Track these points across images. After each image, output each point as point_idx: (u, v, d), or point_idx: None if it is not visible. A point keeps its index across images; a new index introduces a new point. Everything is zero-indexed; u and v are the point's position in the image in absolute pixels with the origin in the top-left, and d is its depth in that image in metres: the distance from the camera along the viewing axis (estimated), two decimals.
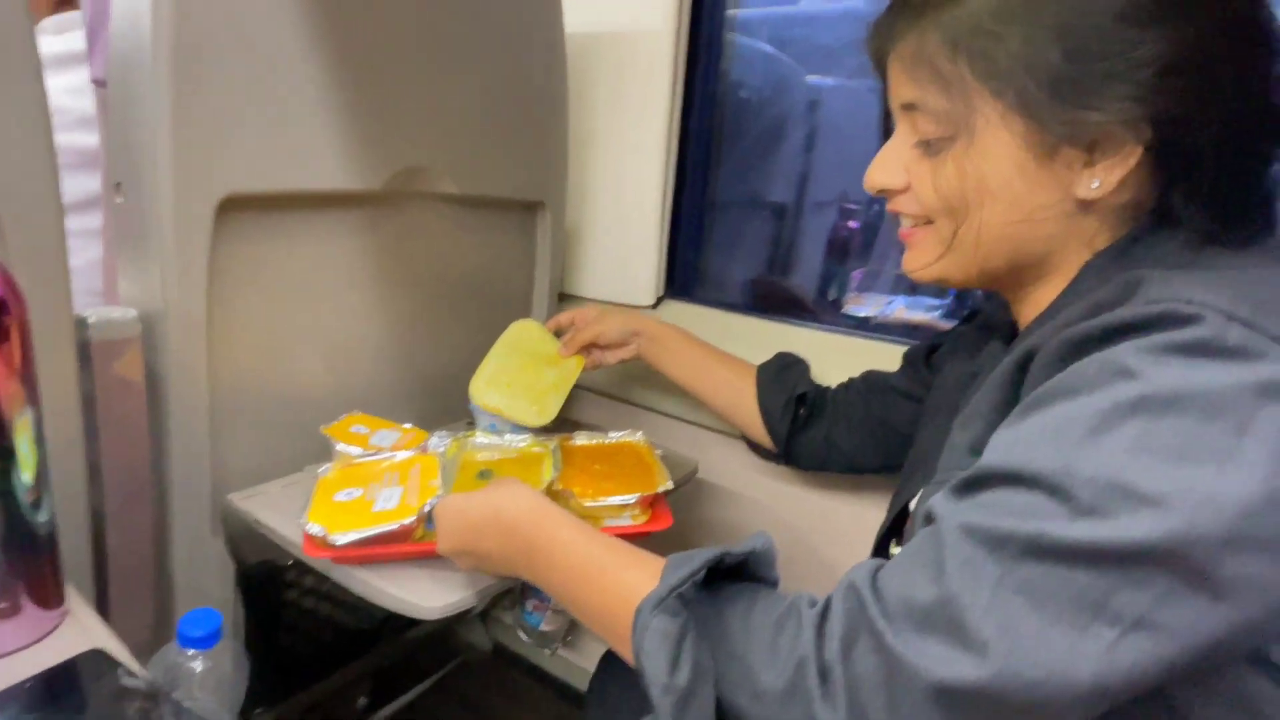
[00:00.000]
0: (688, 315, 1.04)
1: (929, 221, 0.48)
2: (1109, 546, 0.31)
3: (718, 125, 1.06)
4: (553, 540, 0.51)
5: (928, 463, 0.54)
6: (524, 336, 0.86)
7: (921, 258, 0.49)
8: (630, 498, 0.64)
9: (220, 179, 0.63)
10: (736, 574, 0.44)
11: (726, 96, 1.06)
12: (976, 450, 0.42)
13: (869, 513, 0.86)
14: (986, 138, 0.43)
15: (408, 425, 0.79)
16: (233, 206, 0.64)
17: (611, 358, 0.85)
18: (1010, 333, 0.54)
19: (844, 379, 0.80)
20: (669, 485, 0.66)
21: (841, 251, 1.23)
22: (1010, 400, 0.41)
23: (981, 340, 0.59)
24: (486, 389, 0.81)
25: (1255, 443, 0.30)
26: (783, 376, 0.79)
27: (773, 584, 0.44)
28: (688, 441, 0.98)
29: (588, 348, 0.86)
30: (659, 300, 1.06)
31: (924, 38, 0.44)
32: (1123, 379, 0.33)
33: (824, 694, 0.36)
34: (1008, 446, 0.36)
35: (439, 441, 0.74)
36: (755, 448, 0.84)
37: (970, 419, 0.44)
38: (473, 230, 0.88)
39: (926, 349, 0.72)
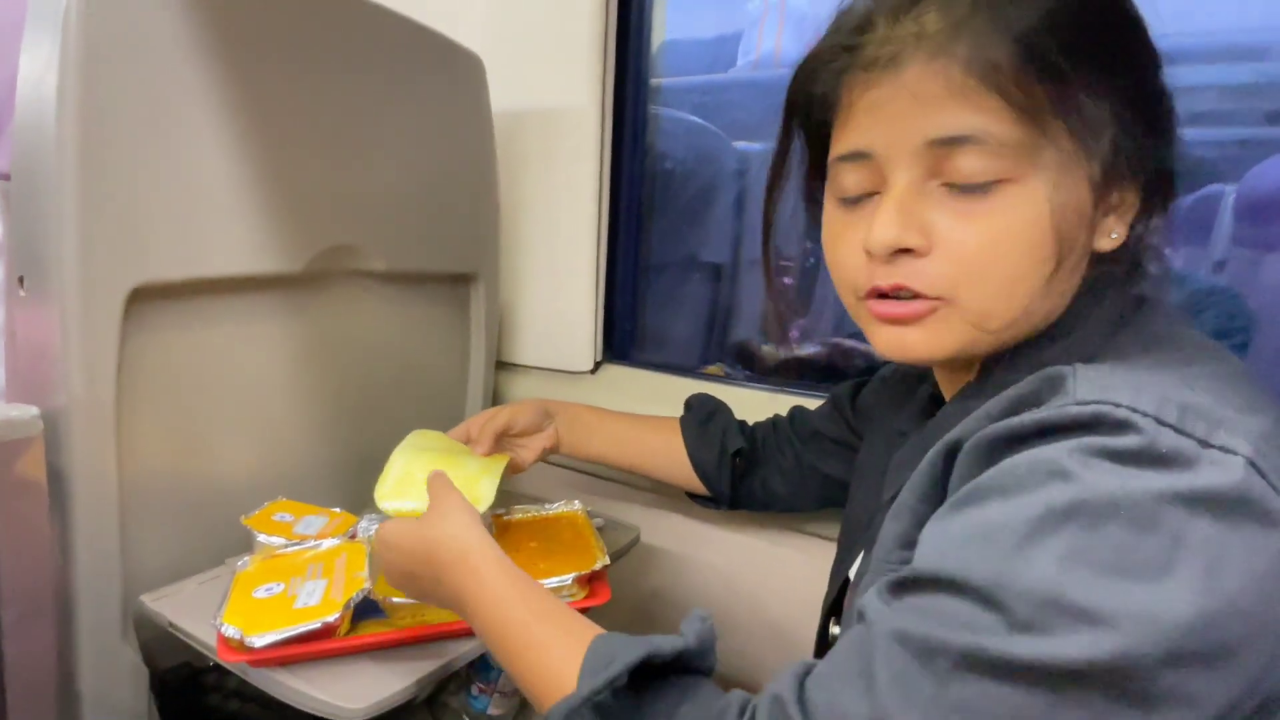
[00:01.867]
0: (626, 378, 1.05)
1: (939, 298, 0.40)
2: (1047, 665, 0.30)
3: (648, 192, 1.09)
4: (481, 594, 0.49)
5: (864, 530, 0.54)
6: (428, 440, 0.75)
7: (934, 341, 0.41)
8: (566, 578, 0.63)
9: (130, 269, 0.61)
10: (668, 666, 0.42)
11: (654, 165, 1.09)
12: (907, 544, 0.41)
13: (818, 569, 0.85)
14: (1062, 184, 0.37)
15: (337, 509, 0.76)
16: (144, 296, 0.62)
17: (530, 453, 0.76)
18: (935, 387, 0.54)
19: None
20: (605, 561, 0.65)
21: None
22: (937, 494, 0.40)
23: (907, 386, 0.59)
24: (394, 493, 0.65)
25: (1189, 557, 0.30)
26: (709, 429, 0.77)
27: (707, 673, 0.42)
28: (630, 505, 0.97)
29: (502, 440, 0.76)
30: (597, 365, 1.06)
31: (990, 43, 0.36)
32: (1056, 481, 0.32)
33: None
34: (940, 549, 0.35)
35: (368, 525, 0.72)
36: (696, 498, 0.82)
37: (900, 511, 0.42)
38: (403, 304, 0.87)
39: (852, 390, 0.71)
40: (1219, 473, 0.31)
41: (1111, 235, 0.40)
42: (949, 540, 0.34)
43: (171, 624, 0.63)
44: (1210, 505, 0.30)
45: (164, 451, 0.68)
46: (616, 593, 0.67)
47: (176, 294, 0.65)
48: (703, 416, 0.78)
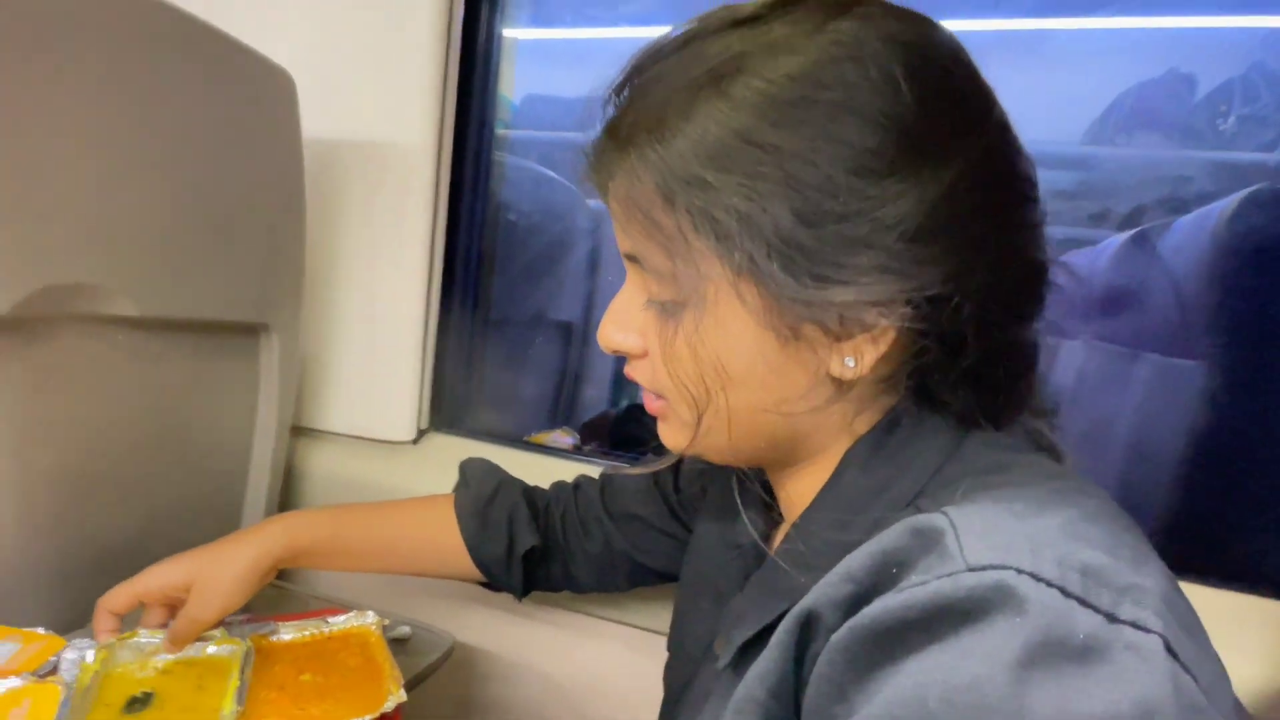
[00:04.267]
0: (456, 450, 0.92)
1: (662, 396, 0.40)
2: None
3: (490, 243, 0.99)
4: None
5: (695, 669, 0.46)
6: None
7: (672, 437, 0.41)
8: None
9: None
10: None
11: (498, 216, 1.00)
12: None
13: (651, 674, 0.77)
14: (719, 310, 0.35)
15: (40, 631, 0.57)
16: None
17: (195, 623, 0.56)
18: (768, 493, 0.47)
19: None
20: (400, 698, 0.52)
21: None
22: (790, 685, 0.33)
23: (736, 475, 0.50)
24: None
25: None
26: (491, 518, 0.63)
27: None
28: (445, 599, 0.84)
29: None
30: (421, 434, 0.93)
31: (634, 180, 0.35)
32: (983, 718, 0.25)
33: None
34: None
35: (75, 656, 0.54)
36: (486, 584, 0.67)
37: (745, 707, 0.35)
38: (167, 360, 0.70)
39: (673, 469, 0.62)
40: (1144, 673, 0.26)
41: (846, 363, 0.36)
42: None
43: None
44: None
45: None
46: (427, 710, 0.54)
47: None
48: (483, 500, 0.63)
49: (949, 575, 0.28)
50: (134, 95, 0.61)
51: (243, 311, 0.74)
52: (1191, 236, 0.80)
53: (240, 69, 0.70)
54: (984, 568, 0.28)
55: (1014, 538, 0.29)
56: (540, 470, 0.80)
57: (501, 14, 0.91)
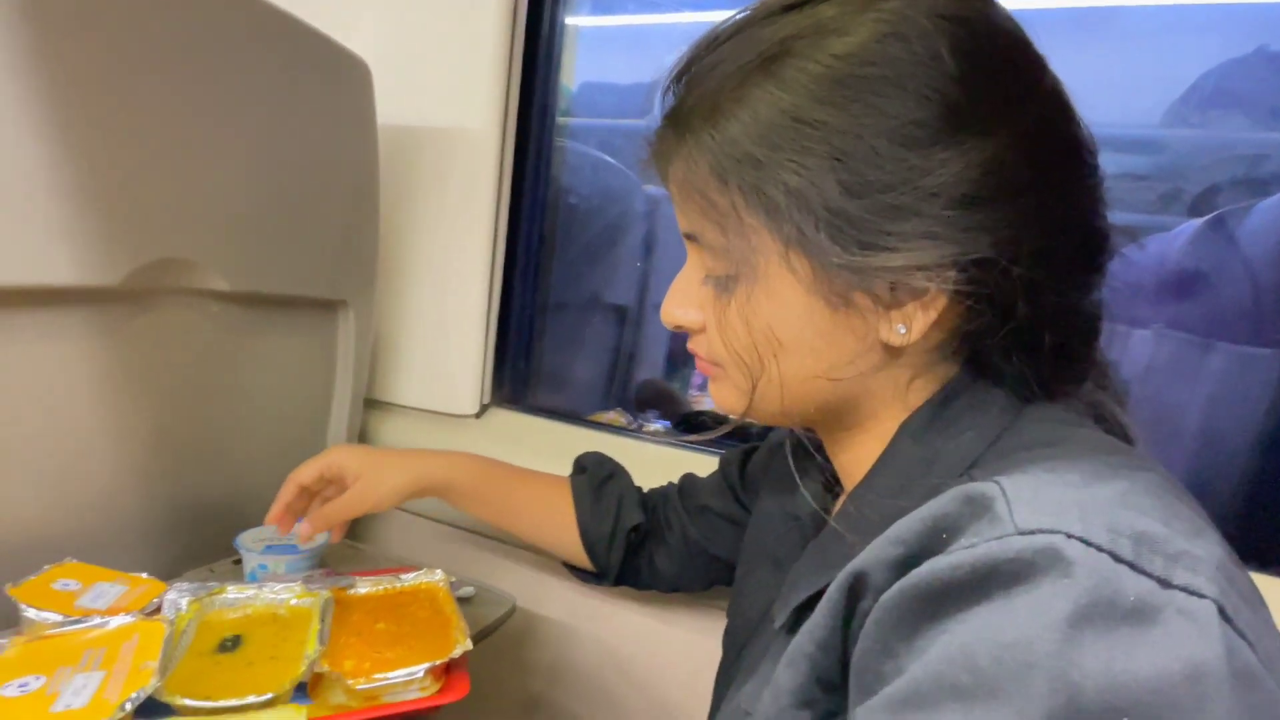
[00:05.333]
0: (516, 425, 0.96)
1: (717, 364, 0.42)
2: None
3: (550, 226, 1.02)
4: None
5: (751, 637, 0.48)
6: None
7: (725, 399, 0.43)
8: (417, 670, 0.53)
9: None
10: None
11: (558, 199, 1.02)
12: (803, 702, 0.35)
13: (705, 641, 0.79)
14: (771, 281, 0.37)
15: (144, 575, 0.63)
16: None
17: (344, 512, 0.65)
18: (830, 467, 0.48)
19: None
20: (467, 646, 0.55)
21: (682, 351, 1.22)
22: (838, 641, 0.34)
23: (799, 462, 0.52)
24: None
25: None
26: (603, 497, 0.68)
27: None
28: (507, 566, 0.88)
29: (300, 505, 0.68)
30: (484, 408, 0.97)
31: (691, 163, 0.37)
32: (1032, 674, 0.25)
33: None
34: None
35: (176, 597, 0.59)
36: (575, 570, 0.73)
37: (795, 659, 0.36)
38: (253, 331, 0.75)
39: (741, 458, 0.65)
40: (1195, 635, 0.26)
41: (898, 330, 0.37)
42: None
43: None
44: (1202, 680, 0.25)
45: None
46: (490, 671, 0.57)
47: None
48: (598, 481, 0.70)
49: (998, 538, 0.28)
50: (226, 86, 0.65)
51: (321, 288, 0.79)
52: (1272, 220, 0.77)
53: (321, 59, 0.74)
54: (1033, 531, 0.28)
55: (1065, 504, 0.29)
56: (596, 447, 0.83)
57: (564, 2, 0.94)
